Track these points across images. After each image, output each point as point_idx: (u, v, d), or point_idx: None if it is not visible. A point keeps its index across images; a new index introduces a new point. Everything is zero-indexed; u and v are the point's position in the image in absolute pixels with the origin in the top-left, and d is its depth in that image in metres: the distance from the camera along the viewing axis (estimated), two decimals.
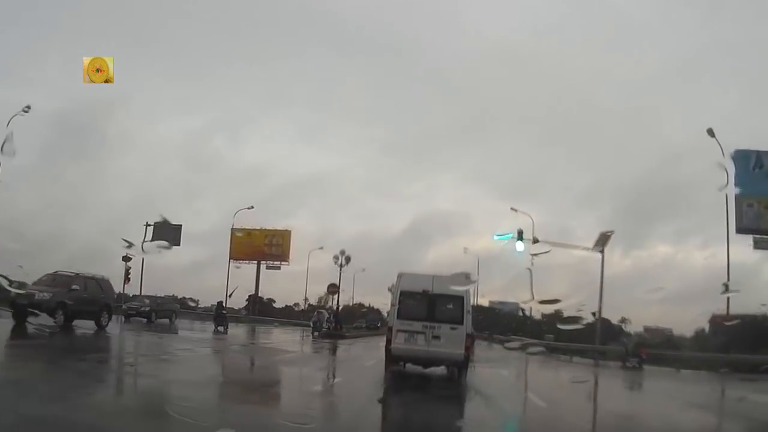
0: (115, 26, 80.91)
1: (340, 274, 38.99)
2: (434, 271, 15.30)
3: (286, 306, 59.64)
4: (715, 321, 27.71)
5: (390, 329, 14.63)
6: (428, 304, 14.28)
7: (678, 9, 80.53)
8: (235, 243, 64.27)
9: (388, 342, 14.45)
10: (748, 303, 24.18)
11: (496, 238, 32.60)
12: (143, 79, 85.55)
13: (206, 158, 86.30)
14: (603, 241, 29.50)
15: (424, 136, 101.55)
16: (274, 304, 58.62)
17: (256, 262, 65.31)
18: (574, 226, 76.89)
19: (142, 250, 42.52)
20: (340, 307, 69.77)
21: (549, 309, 37.86)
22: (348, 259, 38.51)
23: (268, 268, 64.90)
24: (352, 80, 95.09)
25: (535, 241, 31.08)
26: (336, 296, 41.17)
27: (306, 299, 67.05)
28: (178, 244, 45.42)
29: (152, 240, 45.94)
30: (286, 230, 65.30)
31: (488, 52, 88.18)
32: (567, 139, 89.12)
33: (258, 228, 64.20)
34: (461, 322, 14.12)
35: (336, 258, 39.14)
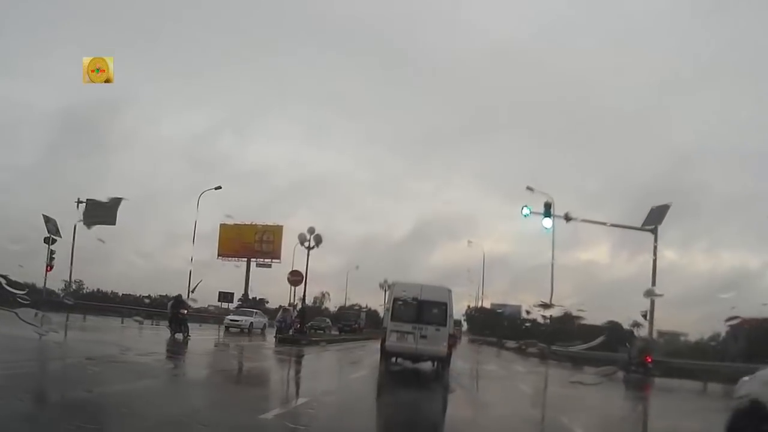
0: (120, 25, 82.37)
1: (308, 259, 31.35)
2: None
3: (280, 306, 59.94)
4: (735, 324, 27.44)
5: (384, 329, 18.03)
6: (417, 308, 17.58)
7: (688, 11, 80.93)
8: (223, 238, 64.23)
9: (383, 341, 17.85)
10: None
11: (525, 213, 27.07)
12: (146, 77, 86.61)
13: (210, 157, 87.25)
14: (657, 216, 25.61)
15: (430, 137, 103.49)
16: (267, 304, 58.69)
17: (245, 259, 65.26)
18: (582, 226, 77.32)
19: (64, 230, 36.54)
20: (335, 307, 70.20)
21: (558, 311, 37.09)
22: (319, 240, 30.73)
23: (258, 266, 64.70)
24: (357, 80, 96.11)
25: (567, 217, 27.05)
26: (302, 287, 33.20)
27: (302, 298, 67.01)
28: (113, 223, 40.54)
29: (85, 219, 41.00)
30: (278, 225, 64.93)
31: (496, 51, 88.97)
32: (576, 141, 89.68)
33: (248, 223, 63.93)
34: (445, 324, 17.49)
35: (302, 238, 30.84)
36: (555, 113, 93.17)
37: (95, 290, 52.30)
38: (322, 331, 42.08)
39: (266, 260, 66.13)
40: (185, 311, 24.01)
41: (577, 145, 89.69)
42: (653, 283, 25.09)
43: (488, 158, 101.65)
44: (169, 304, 24.71)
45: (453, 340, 18.20)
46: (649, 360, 22.35)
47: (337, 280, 64.99)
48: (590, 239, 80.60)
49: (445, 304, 17.73)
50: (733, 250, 78.08)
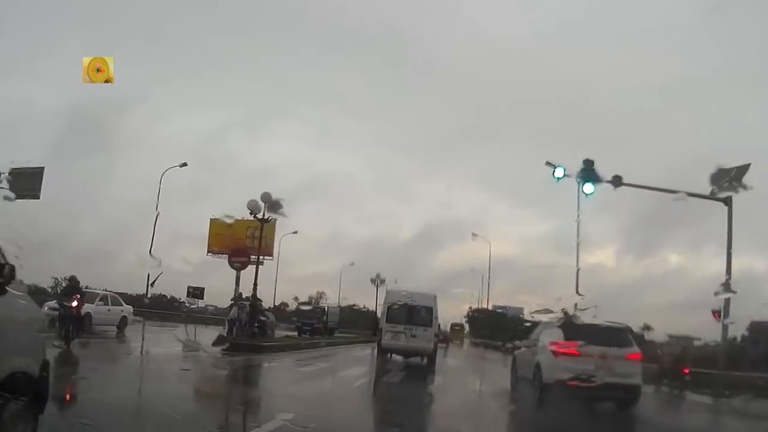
0: (126, 24, 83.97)
1: (261, 231, 25.40)
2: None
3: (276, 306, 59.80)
4: (756, 328, 27.18)
5: (380, 330, 21.94)
6: (407, 312, 21.44)
7: (692, 12, 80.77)
8: (213, 234, 63.60)
9: (379, 339, 21.92)
10: None
11: (558, 176, 20.76)
12: (150, 77, 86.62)
13: (215, 159, 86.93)
14: (734, 178, 19.26)
15: (435, 138, 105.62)
16: (261, 303, 58.16)
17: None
18: (591, 230, 78.36)
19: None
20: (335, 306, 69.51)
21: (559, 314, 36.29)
22: (277, 207, 24.33)
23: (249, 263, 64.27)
24: (362, 80, 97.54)
25: (617, 181, 20.66)
26: (254, 270, 26.72)
27: (296, 298, 66.93)
28: (38, 196, 34.62)
29: (10, 190, 38.41)
30: (271, 220, 64.78)
31: (502, 52, 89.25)
32: (583, 143, 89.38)
33: (239, 218, 63.59)
34: (431, 325, 21.58)
35: (254, 206, 24.47)
36: (562, 114, 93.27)
37: (84, 287, 51.38)
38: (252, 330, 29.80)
39: (258, 257, 65.57)
40: (75, 304, 16.33)
41: (583, 147, 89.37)
42: (728, 266, 20.52)
43: (493, 159, 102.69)
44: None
45: (438, 339, 23.16)
46: (687, 371, 18.82)
47: (342, 281, 64.72)
48: (596, 242, 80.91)
49: (431, 309, 21.77)
50: (739, 253, 77.95)
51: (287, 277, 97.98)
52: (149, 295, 38.92)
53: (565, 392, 11.98)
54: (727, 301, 18.49)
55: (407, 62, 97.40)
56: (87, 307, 20.80)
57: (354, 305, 69.39)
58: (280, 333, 36.04)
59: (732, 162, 18.22)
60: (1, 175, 36.69)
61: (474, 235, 53.79)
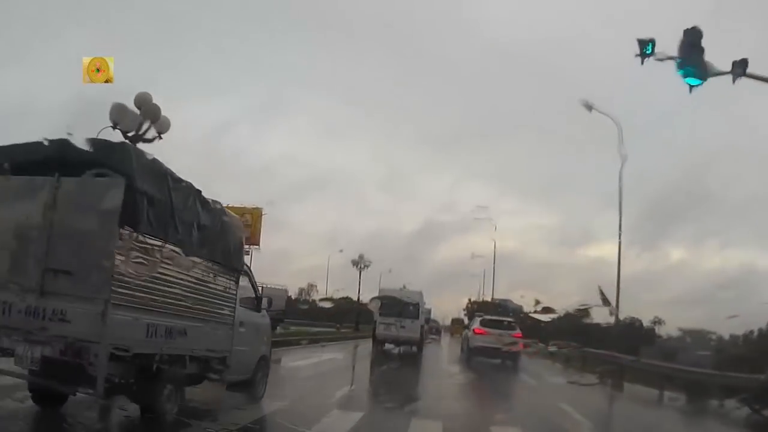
0: (128, 19, 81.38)
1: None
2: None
3: None
4: None
5: (375, 322, 27.08)
6: (398, 307, 26.29)
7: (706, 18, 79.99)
8: None
9: (374, 330, 27.01)
10: None
11: (647, 49, 12.56)
12: (157, 68, 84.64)
13: (218, 151, 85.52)
14: None
15: (442, 133, 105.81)
16: None
17: None
18: (597, 228, 79.60)
19: None
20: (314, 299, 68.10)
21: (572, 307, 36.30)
22: (156, 115, 7.96)
23: None
24: (370, 75, 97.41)
25: (740, 69, 12.59)
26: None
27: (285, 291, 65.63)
28: None
29: None
30: (256, 208, 63.57)
31: (514, 52, 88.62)
32: (593, 145, 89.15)
33: (225, 206, 62.71)
34: (417, 318, 27.03)
35: (117, 115, 7.35)
36: (568, 115, 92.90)
37: None
38: None
39: (245, 247, 64.76)
40: None
41: (588, 148, 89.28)
42: None
43: (498, 156, 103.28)
44: None
45: (432, 331, 31.59)
46: None
47: (343, 277, 64.29)
48: (599, 237, 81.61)
49: (418, 304, 27.40)
50: (744, 248, 79.77)
51: (287, 271, 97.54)
52: None
53: (479, 352, 24.65)
54: None
55: (415, 57, 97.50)
56: None
57: (350, 298, 68.50)
58: None
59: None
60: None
61: (477, 219, 52.87)
